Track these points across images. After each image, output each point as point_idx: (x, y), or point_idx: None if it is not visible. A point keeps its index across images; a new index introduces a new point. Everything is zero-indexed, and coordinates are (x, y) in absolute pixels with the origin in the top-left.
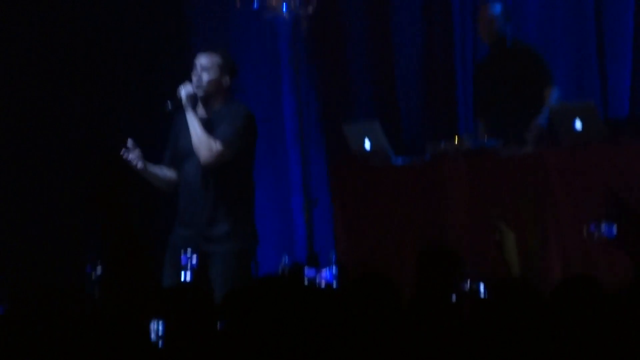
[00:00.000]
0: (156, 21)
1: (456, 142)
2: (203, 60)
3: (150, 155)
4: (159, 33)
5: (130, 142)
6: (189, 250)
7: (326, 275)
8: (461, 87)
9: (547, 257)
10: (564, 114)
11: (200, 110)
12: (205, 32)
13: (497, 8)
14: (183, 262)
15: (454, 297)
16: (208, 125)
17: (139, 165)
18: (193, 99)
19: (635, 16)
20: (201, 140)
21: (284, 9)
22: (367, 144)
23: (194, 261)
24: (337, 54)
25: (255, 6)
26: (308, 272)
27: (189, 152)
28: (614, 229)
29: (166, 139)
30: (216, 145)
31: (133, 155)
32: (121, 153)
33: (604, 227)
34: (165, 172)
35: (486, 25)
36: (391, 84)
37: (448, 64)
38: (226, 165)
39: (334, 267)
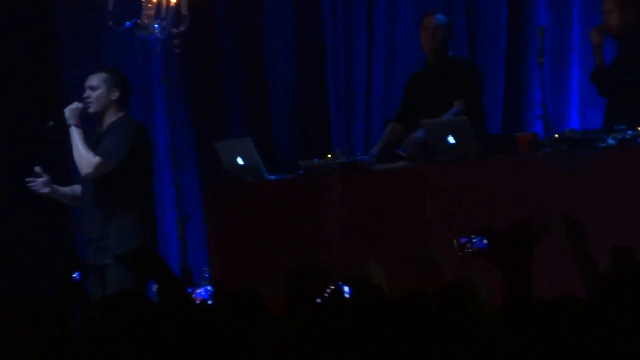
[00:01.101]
0: (25, 40)
1: (329, 158)
2: (90, 80)
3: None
4: (29, 53)
5: (38, 169)
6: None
7: (202, 293)
8: (334, 103)
9: (421, 272)
10: (437, 130)
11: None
12: (76, 51)
13: (442, 18)
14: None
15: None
16: (100, 140)
17: (45, 191)
18: (78, 116)
19: (507, 36)
20: (80, 155)
21: (157, 28)
22: (240, 162)
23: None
24: (209, 72)
25: (127, 25)
26: None
27: None
28: (485, 241)
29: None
30: (95, 159)
31: (38, 183)
32: (26, 180)
33: (475, 239)
34: (75, 190)
35: (429, 34)
36: (264, 102)
37: (320, 82)
38: (113, 177)
39: (209, 286)
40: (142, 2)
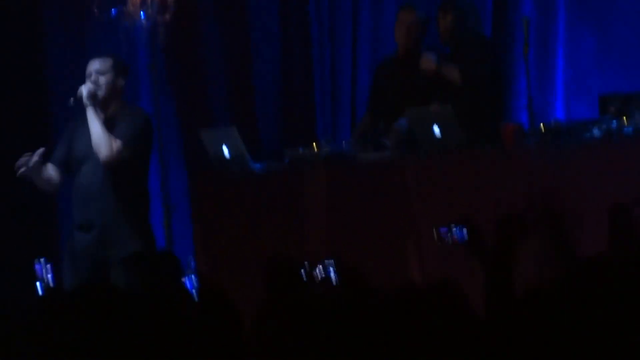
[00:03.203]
0: (9, 27)
1: (315, 148)
2: (97, 65)
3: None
4: (12, 40)
5: (42, 151)
6: (42, 259)
7: (185, 284)
8: (319, 93)
9: (406, 263)
10: (422, 120)
11: (99, 112)
12: (61, 38)
13: (419, 14)
14: (37, 271)
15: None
16: (106, 126)
17: (32, 172)
18: (93, 99)
19: (492, 26)
20: (102, 138)
21: (142, 16)
22: (225, 151)
23: (49, 271)
24: (194, 61)
25: (112, 12)
26: None
27: (85, 155)
28: (465, 233)
29: (58, 140)
30: (116, 144)
31: (31, 163)
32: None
33: (455, 230)
34: (51, 174)
35: (403, 31)
36: (249, 91)
37: (306, 71)
38: (124, 167)
39: (193, 277)
40: None
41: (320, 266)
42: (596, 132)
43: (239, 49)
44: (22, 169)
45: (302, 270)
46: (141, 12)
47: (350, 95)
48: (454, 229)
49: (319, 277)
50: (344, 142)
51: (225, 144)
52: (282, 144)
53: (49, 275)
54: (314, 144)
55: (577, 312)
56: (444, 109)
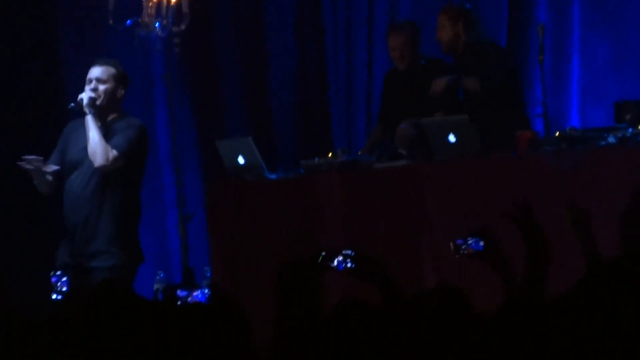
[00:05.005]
0: (26, 38)
1: (330, 157)
2: (98, 72)
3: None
4: (29, 50)
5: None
6: (58, 272)
7: (198, 296)
8: (335, 103)
9: (420, 270)
10: (438, 128)
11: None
12: (77, 48)
13: (406, 31)
14: (53, 281)
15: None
16: (103, 135)
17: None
18: (93, 106)
19: (507, 33)
20: (98, 145)
21: (157, 26)
22: (241, 160)
23: (64, 282)
24: (210, 70)
25: (128, 23)
26: (180, 293)
27: (78, 162)
28: (481, 243)
29: (53, 145)
30: (112, 152)
31: (34, 160)
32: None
33: (471, 240)
34: (49, 173)
35: (397, 55)
36: (265, 100)
37: (321, 81)
38: (115, 176)
39: (206, 289)
40: (142, 0)
41: (340, 257)
42: (611, 139)
43: (254, 59)
44: (24, 163)
45: (320, 259)
46: (156, 23)
47: (366, 106)
48: (470, 241)
49: (336, 265)
50: (359, 151)
51: (241, 154)
52: (298, 154)
53: (64, 288)
54: (330, 154)
55: (597, 319)
56: (460, 118)
